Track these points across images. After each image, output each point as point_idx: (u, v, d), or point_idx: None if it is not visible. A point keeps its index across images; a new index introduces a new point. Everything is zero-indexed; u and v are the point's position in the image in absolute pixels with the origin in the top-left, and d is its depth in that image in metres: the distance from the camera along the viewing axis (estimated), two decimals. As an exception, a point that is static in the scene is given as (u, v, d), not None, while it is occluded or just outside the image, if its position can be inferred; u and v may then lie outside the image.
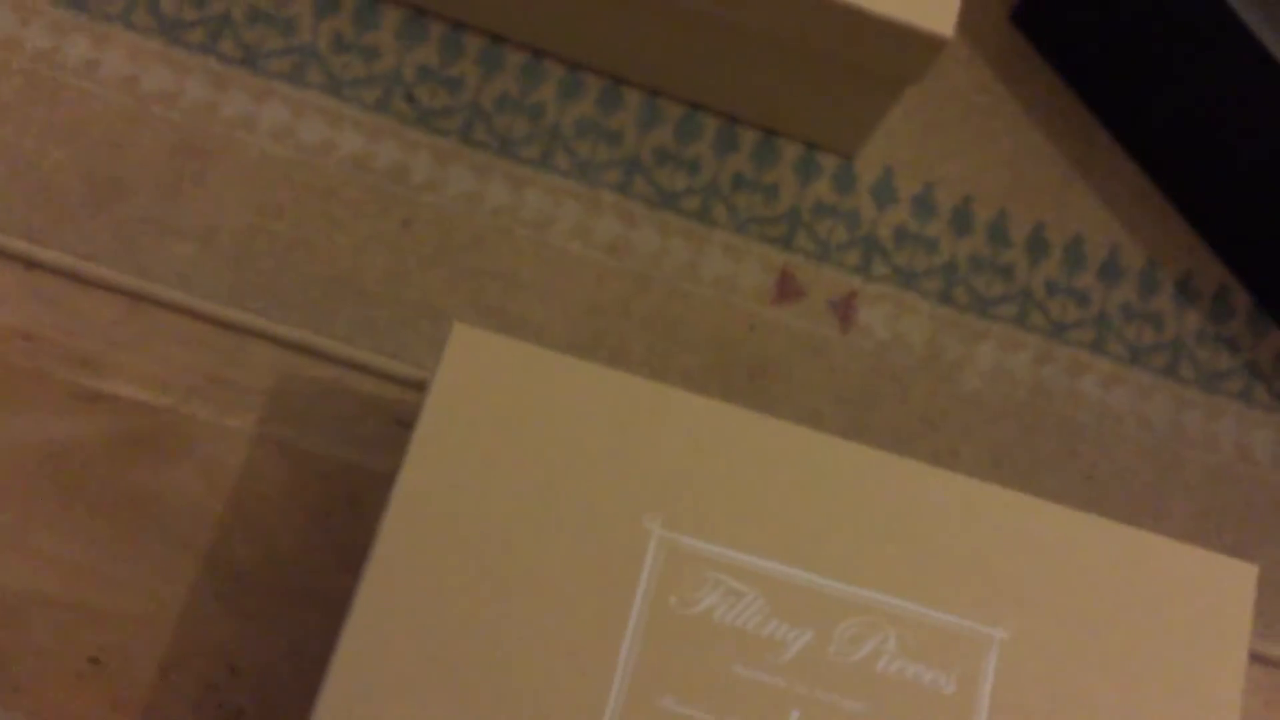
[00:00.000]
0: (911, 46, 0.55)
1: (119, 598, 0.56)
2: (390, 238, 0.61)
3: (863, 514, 0.46)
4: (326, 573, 0.57)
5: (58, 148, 0.60)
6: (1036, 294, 0.65)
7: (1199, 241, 0.67)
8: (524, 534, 0.45)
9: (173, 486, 0.57)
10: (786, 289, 0.64)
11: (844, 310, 0.64)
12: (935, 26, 0.54)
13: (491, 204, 0.62)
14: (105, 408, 0.57)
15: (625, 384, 0.48)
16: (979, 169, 0.67)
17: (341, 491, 0.58)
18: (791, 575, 0.45)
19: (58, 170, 0.60)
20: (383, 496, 0.58)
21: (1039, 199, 0.66)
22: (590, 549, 0.45)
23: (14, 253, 0.58)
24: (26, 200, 0.59)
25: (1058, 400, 0.63)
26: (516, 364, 0.47)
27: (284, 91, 0.62)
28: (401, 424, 0.59)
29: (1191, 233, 0.67)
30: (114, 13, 0.62)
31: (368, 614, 0.44)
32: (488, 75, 0.64)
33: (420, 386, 0.60)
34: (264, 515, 0.57)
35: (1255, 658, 0.59)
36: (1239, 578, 0.47)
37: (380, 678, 0.43)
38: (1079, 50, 0.68)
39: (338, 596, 0.57)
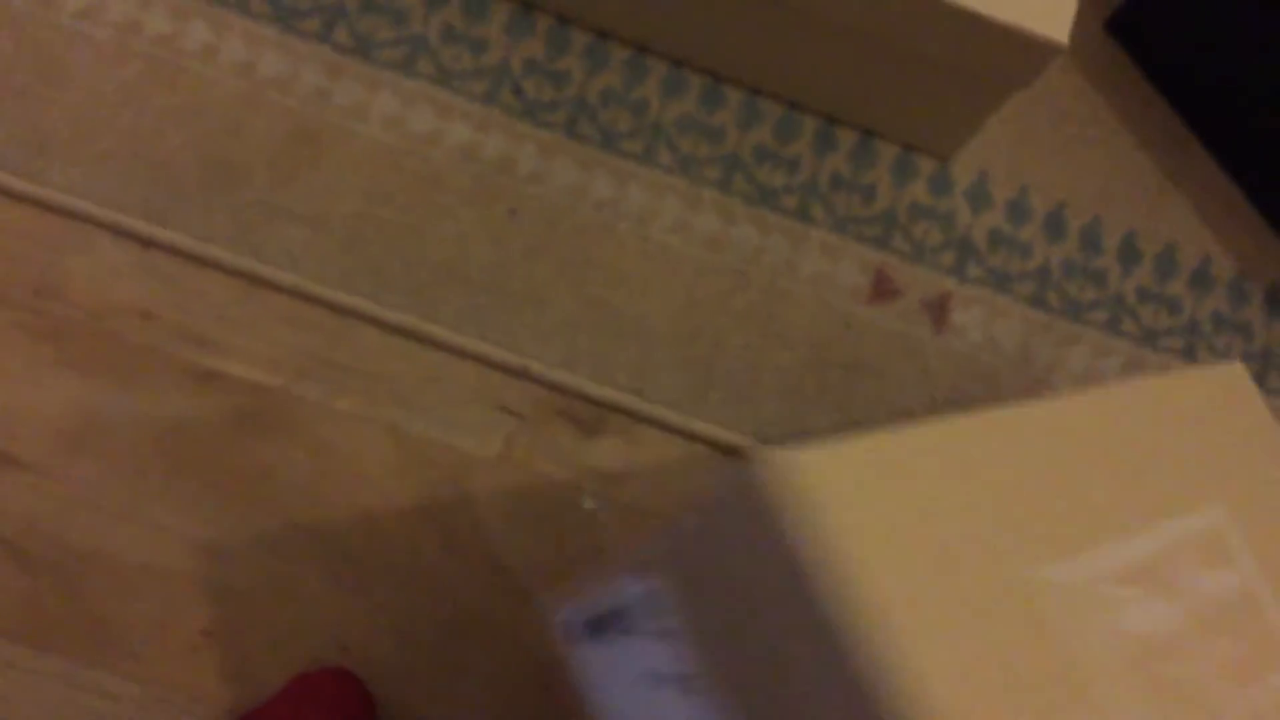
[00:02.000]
0: (1026, 52, 0.56)
1: (230, 572, 0.57)
2: (496, 227, 0.62)
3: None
4: (431, 554, 0.58)
5: (176, 130, 0.61)
6: (1128, 300, 0.65)
7: (1288, 253, 0.67)
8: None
9: (283, 465, 0.58)
10: (882, 288, 0.64)
11: (938, 311, 0.64)
12: (1051, 33, 0.55)
13: (595, 197, 0.63)
14: (219, 386, 0.59)
15: (962, 429, 0.42)
16: (1072, 176, 0.67)
17: (446, 475, 0.59)
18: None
19: (176, 152, 0.61)
20: (486, 480, 0.59)
21: (1131, 207, 0.67)
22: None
23: (133, 232, 0.59)
24: (145, 181, 0.60)
25: (1149, 406, 0.63)
26: (859, 462, 0.39)
27: (395, 81, 0.63)
28: (505, 410, 0.60)
29: (1281, 244, 0.68)
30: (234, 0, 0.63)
31: None
32: (593, 70, 0.65)
33: (523, 374, 0.61)
34: (371, 496, 0.59)
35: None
36: None
37: None
38: (1174, 61, 0.68)
39: (442, 578, 0.58)
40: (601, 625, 0.46)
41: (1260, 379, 0.64)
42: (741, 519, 0.38)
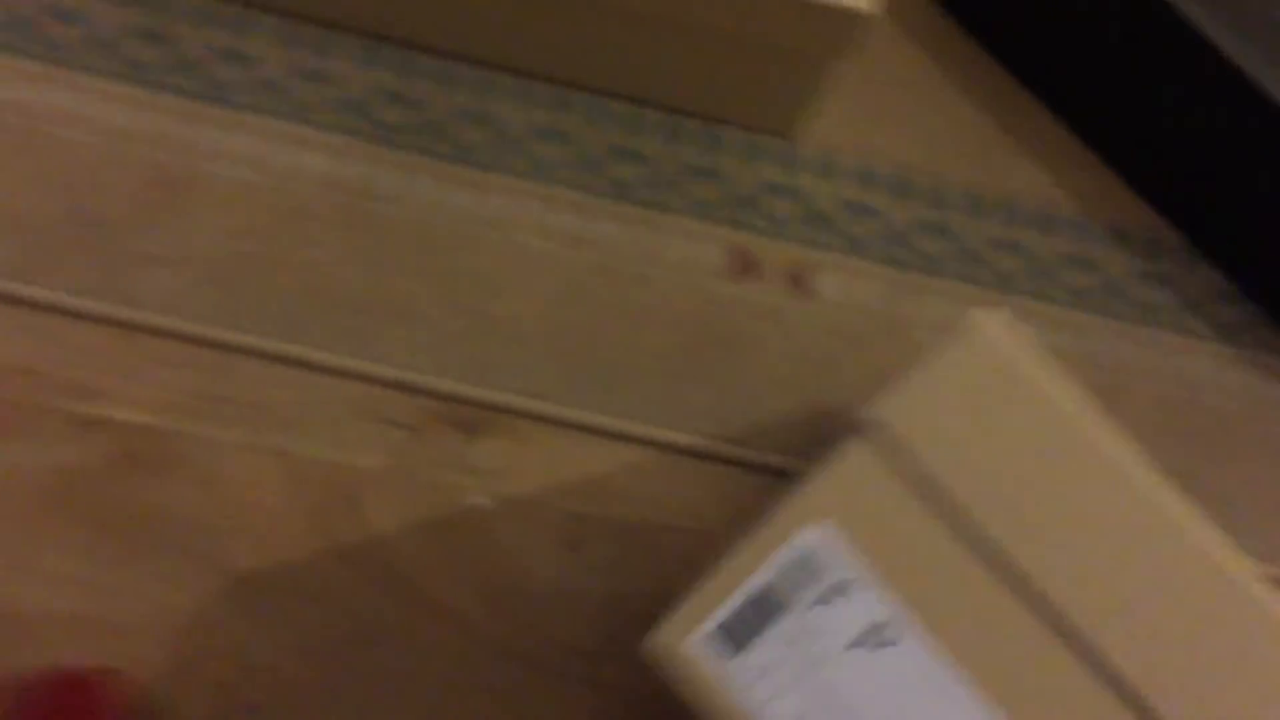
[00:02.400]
0: (835, 24, 0.59)
1: (130, 609, 0.58)
2: (363, 249, 0.65)
3: None
4: (328, 570, 0.60)
5: (39, 192, 0.63)
6: (979, 250, 0.68)
7: (1129, 191, 0.71)
8: None
9: (174, 501, 0.60)
10: (744, 266, 0.67)
11: (799, 281, 0.67)
12: (855, 2, 0.58)
13: (456, 210, 0.66)
14: (104, 432, 0.60)
15: None
16: (914, 140, 0.70)
17: (337, 492, 0.61)
18: None
19: (40, 212, 0.63)
20: (376, 492, 0.61)
21: (972, 162, 0.70)
22: None
23: (4, 293, 0.61)
24: (13, 243, 0.62)
25: (1008, 347, 0.66)
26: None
27: (252, 121, 0.66)
28: (389, 423, 0.62)
29: (1121, 183, 0.71)
30: (89, 62, 0.65)
31: None
32: (444, 91, 0.68)
33: (403, 386, 0.63)
34: (264, 520, 0.60)
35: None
36: None
37: None
38: (1000, 23, 0.72)
39: (340, 592, 0.59)
40: (745, 622, 0.42)
41: (1104, 308, 0.67)
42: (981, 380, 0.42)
